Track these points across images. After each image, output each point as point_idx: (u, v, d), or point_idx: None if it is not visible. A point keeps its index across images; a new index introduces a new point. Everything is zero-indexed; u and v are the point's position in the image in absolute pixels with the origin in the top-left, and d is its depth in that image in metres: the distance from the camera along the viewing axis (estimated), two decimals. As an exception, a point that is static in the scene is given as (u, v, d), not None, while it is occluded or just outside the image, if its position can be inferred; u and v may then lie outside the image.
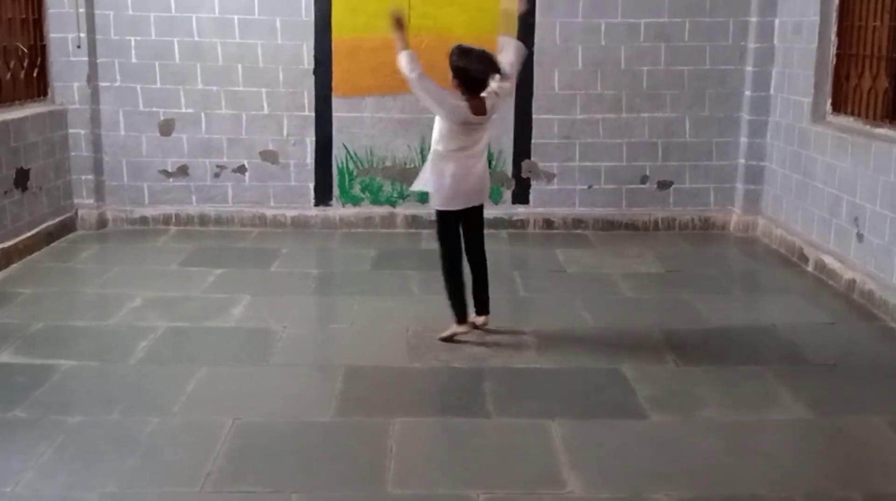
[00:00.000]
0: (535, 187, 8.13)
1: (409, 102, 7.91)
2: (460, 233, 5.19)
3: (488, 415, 4.36)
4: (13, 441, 3.98)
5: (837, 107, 6.94)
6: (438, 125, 5.03)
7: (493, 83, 4.97)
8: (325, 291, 6.55)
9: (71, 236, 7.69)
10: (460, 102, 4.91)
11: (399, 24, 4.93)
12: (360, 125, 7.98)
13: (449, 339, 5.21)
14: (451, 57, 4.92)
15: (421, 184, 5.14)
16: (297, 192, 8.08)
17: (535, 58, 7.89)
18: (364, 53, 7.85)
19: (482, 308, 5.33)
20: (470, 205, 5.15)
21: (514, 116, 7.97)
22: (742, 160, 8.04)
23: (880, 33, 6.34)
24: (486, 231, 8.00)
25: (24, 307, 5.82)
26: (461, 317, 5.22)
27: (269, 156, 8.02)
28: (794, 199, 7.34)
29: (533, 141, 8.04)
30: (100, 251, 7.34)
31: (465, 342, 5.27)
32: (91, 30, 7.69)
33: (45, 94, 7.65)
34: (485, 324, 5.32)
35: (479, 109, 4.96)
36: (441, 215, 5.13)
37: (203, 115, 7.94)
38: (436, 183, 5.04)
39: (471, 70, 4.90)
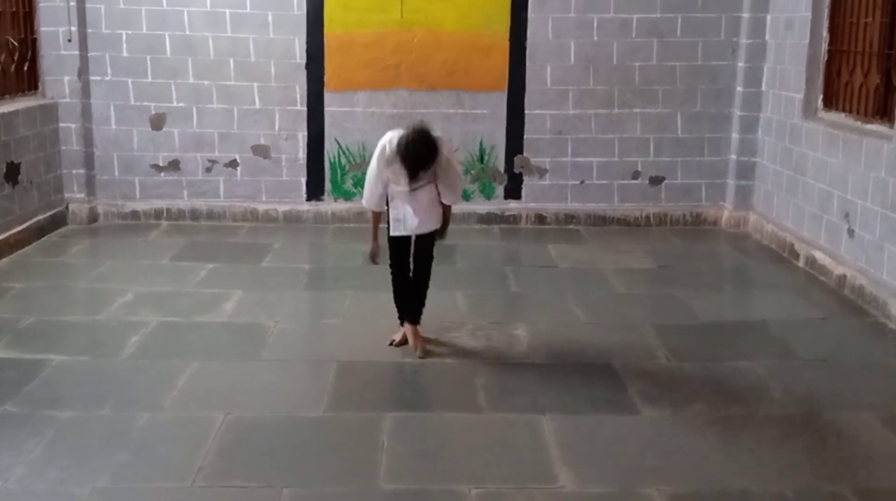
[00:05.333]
0: (528, 183, 8.13)
1: (401, 97, 7.92)
2: (407, 256, 5.16)
3: (480, 410, 4.37)
4: (4, 437, 3.97)
5: (829, 103, 6.95)
6: None
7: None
8: (316, 286, 6.54)
9: (62, 230, 7.66)
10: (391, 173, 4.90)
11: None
12: (352, 120, 7.97)
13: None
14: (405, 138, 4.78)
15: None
16: (289, 186, 8.07)
17: (528, 53, 7.90)
18: (356, 48, 7.84)
19: (413, 317, 5.22)
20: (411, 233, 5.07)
21: (506, 112, 7.98)
22: (734, 156, 8.06)
23: (872, 29, 6.35)
24: (478, 226, 8.02)
25: (15, 302, 5.80)
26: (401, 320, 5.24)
27: (260, 150, 8.00)
28: (785, 195, 7.36)
29: (525, 136, 8.04)
30: (91, 246, 7.32)
31: (456, 337, 5.28)
32: (82, 23, 7.67)
33: (35, 87, 7.62)
34: (412, 337, 5.16)
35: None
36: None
37: (195, 109, 7.92)
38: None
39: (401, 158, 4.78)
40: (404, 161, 4.74)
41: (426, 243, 5.14)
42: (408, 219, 5.00)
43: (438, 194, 5.03)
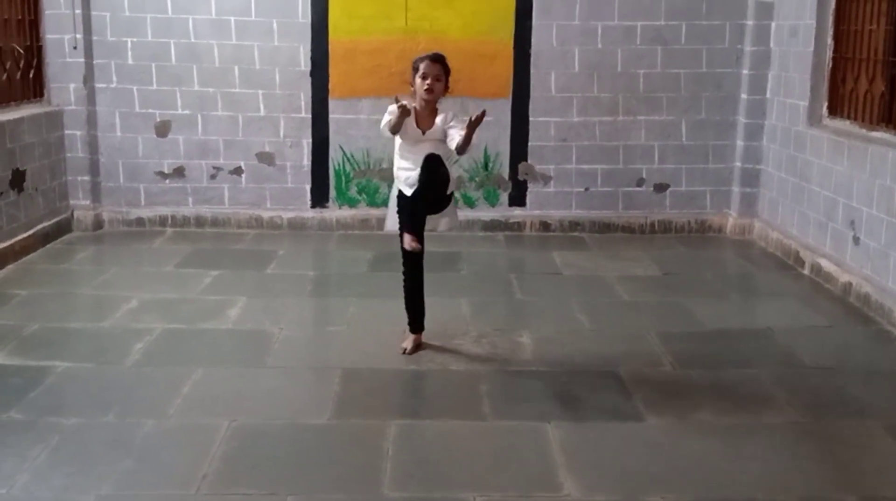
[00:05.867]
0: (532, 190, 8.13)
1: (406, 104, 7.91)
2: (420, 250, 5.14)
3: (484, 418, 4.36)
4: (8, 444, 3.97)
5: (834, 110, 6.95)
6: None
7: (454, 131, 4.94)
8: (321, 293, 6.55)
9: (67, 237, 7.68)
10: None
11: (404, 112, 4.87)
12: (356, 127, 7.98)
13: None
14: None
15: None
16: (294, 194, 8.08)
17: (532, 60, 7.91)
18: (361, 56, 7.85)
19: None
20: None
21: (511, 119, 7.98)
22: (738, 163, 8.06)
23: (876, 37, 6.35)
24: (483, 233, 8.01)
25: (20, 309, 5.80)
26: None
27: (265, 158, 8.02)
28: (790, 202, 7.35)
29: (530, 143, 8.04)
30: (96, 253, 7.33)
31: (460, 344, 5.28)
32: (87, 31, 7.69)
33: (41, 95, 7.64)
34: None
35: (423, 122, 4.99)
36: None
37: (199, 116, 7.94)
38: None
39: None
40: (423, 58, 4.97)
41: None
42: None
43: (448, 151, 5.01)
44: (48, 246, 7.34)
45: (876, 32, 6.36)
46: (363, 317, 5.77)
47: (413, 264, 5.13)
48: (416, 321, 5.22)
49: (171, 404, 4.42)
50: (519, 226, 8.14)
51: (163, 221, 8.04)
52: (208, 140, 7.98)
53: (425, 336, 5.27)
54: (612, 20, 7.87)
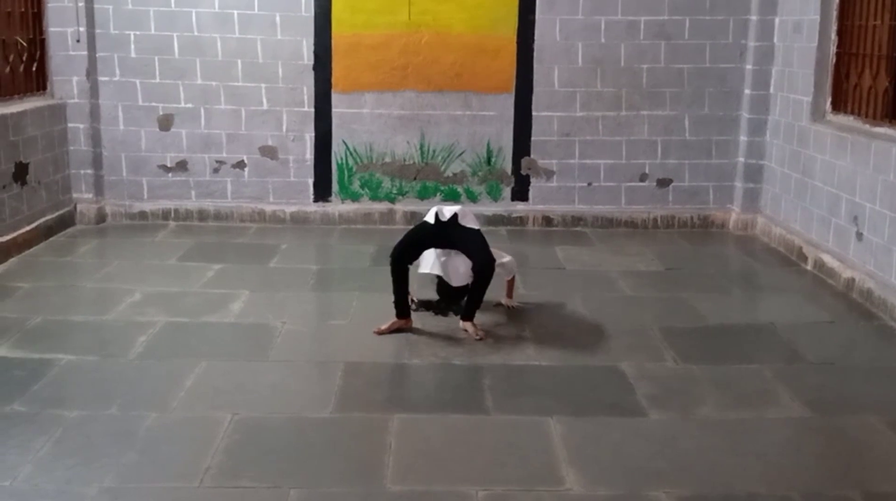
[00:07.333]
0: (535, 185, 8.13)
1: (409, 98, 7.92)
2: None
3: (487, 412, 4.36)
4: (11, 436, 3.98)
5: (837, 106, 6.94)
6: None
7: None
8: (324, 287, 6.55)
9: (70, 230, 7.68)
10: None
11: None
12: (359, 121, 7.98)
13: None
14: None
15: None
16: (297, 187, 8.08)
17: (536, 55, 7.90)
18: (364, 50, 7.85)
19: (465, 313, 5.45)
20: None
21: (514, 114, 7.98)
22: (741, 159, 8.05)
23: (880, 32, 6.33)
24: (486, 228, 8.00)
25: (23, 302, 5.81)
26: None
27: (268, 151, 8.02)
28: (793, 198, 7.35)
29: (533, 138, 8.04)
30: (98, 246, 7.33)
31: (463, 338, 5.28)
32: (91, 24, 7.69)
33: (44, 88, 7.64)
34: (467, 331, 5.38)
35: None
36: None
37: (202, 110, 7.93)
38: None
39: None
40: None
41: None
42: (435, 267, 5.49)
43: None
44: (51, 239, 7.34)
45: (880, 28, 6.34)
46: (366, 311, 5.78)
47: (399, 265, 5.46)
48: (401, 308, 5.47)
49: (174, 397, 4.43)
50: (522, 221, 8.14)
51: (165, 214, 8.04)
52: (211, 134, 7.98)
53: (426, 328, 5.30)
54: (616, 15, 7.85)
